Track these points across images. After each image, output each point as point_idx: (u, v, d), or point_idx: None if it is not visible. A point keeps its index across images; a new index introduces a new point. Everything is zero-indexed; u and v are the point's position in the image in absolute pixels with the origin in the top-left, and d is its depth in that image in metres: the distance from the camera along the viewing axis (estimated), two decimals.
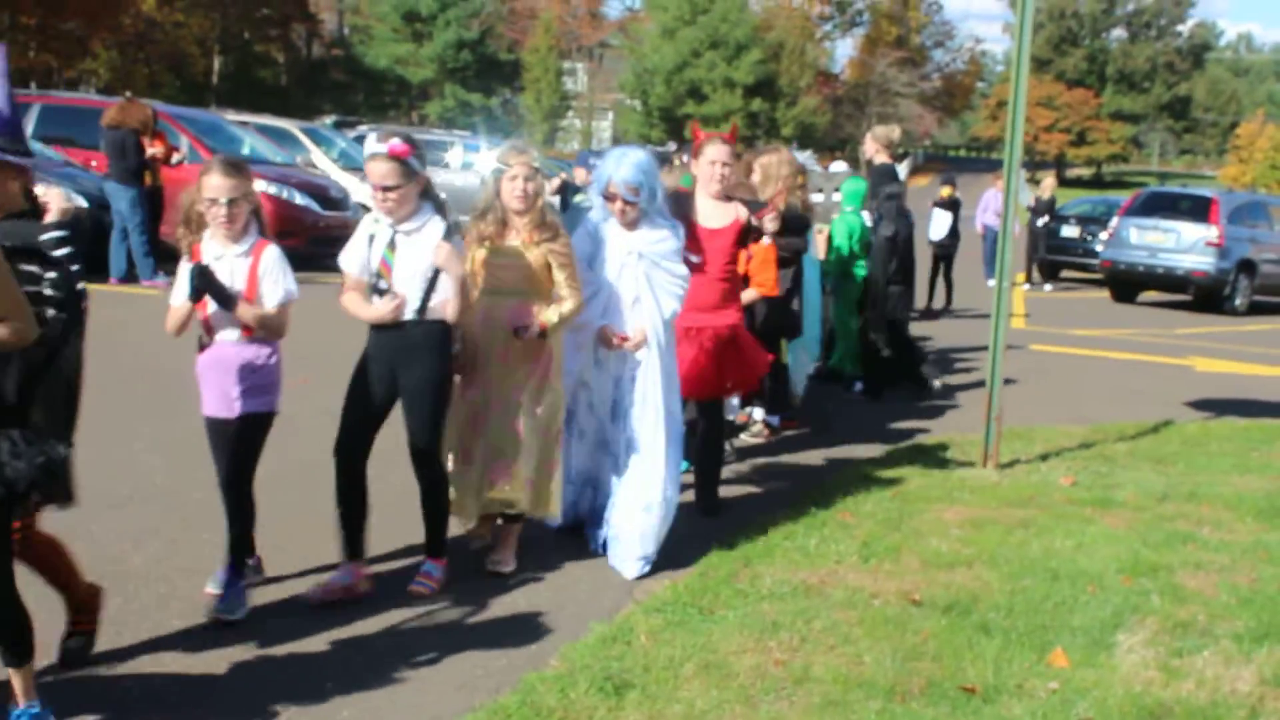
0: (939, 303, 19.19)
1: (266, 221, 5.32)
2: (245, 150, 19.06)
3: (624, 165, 6.21)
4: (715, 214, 7.10)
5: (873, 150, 12.02)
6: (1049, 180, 26.75)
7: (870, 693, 4.74)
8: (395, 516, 6.21)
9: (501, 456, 5.94)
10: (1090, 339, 17.43)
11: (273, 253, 5.20)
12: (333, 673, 4.82)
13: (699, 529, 6.97)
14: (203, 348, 5.26)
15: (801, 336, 9.93)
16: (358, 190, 19.81)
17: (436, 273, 5.48)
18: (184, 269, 5.16)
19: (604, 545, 6.43)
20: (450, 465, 5.99)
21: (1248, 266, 23.12)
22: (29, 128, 17.83)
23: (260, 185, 17.18)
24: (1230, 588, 6.22)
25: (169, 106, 20.45)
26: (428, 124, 61.13)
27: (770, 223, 7.20)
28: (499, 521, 6.27)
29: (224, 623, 5.14)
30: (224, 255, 5.15)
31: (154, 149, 15.24)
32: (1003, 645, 5.26)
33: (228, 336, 5.19)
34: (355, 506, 5.62)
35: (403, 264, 5.50)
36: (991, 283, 19.96)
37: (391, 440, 5.70)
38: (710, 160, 7.07)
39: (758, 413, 9.49)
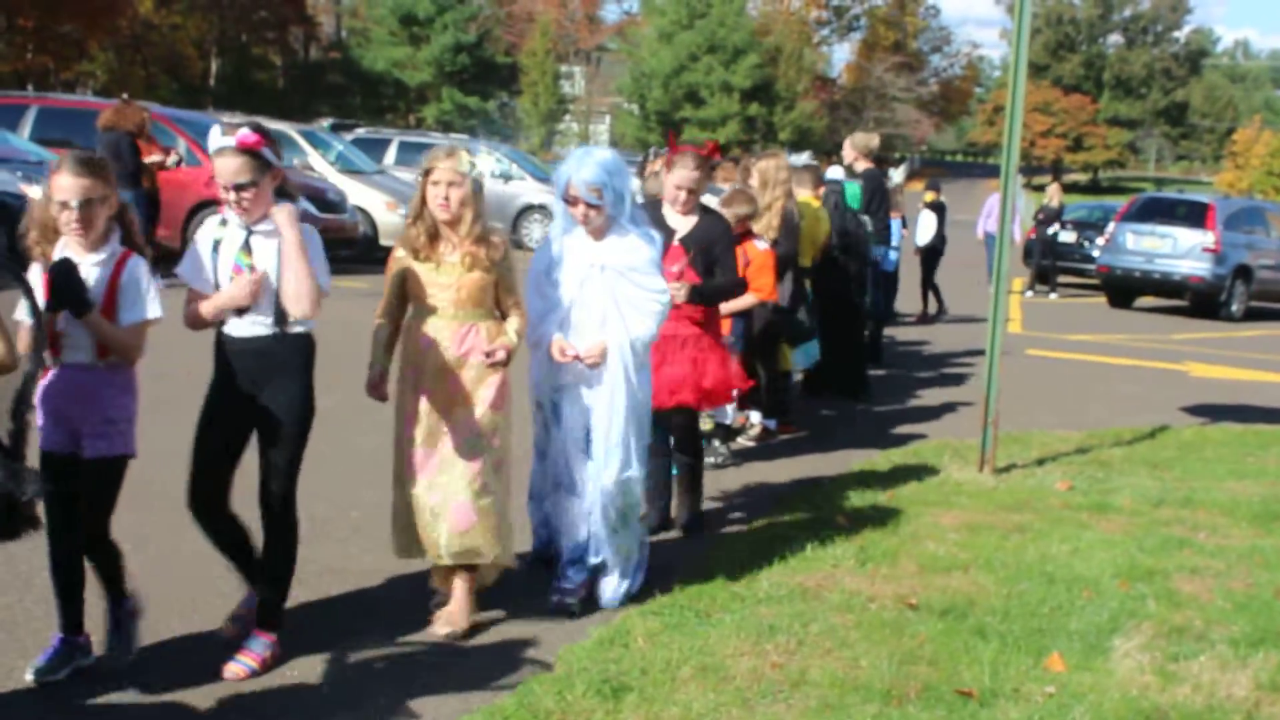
0: (932, 308, 19.21)
1: (134, 230, 4.69)
2: None
3: (586, 165, 5.53)
4: (680, 226, 6.80)
5: (852, 157, 12.15)
6: (1054, 187, 26.59)
7: (866, 696, 4.75)
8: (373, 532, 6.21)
9: (458, 498, 5.26)
10: (1087, 344, 17.44)
11: (136, 266, 4.57)
12: (330, 676, 4.83)
13: (695, 532, 6.98)
14: (46, 370, 4.53)
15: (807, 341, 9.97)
16: (355, 193, 19.87)
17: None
18: (33, 278, 4.41)
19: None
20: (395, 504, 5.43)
21: (1244, 272, 23.13)
22: (26, 130, 17.85)
23: None
24: (1226, 593, 6.23)
25: (166, 109, 20.44)
26: (425, 127, 61.17)
27: (678, 292, 6.35)
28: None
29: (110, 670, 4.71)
30: (79, 265, 4.47)
31: (153, 156, 15.24)
32: (999, 649, 5.27)
33: (77, 358, 4.51)
34: (237, 549, 5.05)
35: (261, 269, 4.77)
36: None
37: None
38: (675, 184, 6.67)
39: (755, 416, 9.50)
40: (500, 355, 5.22)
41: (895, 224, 16.83)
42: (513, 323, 5.37)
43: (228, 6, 61.01)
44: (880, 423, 10.70)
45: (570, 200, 5.58)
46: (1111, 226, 24.21)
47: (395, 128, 46.40)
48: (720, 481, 8.22)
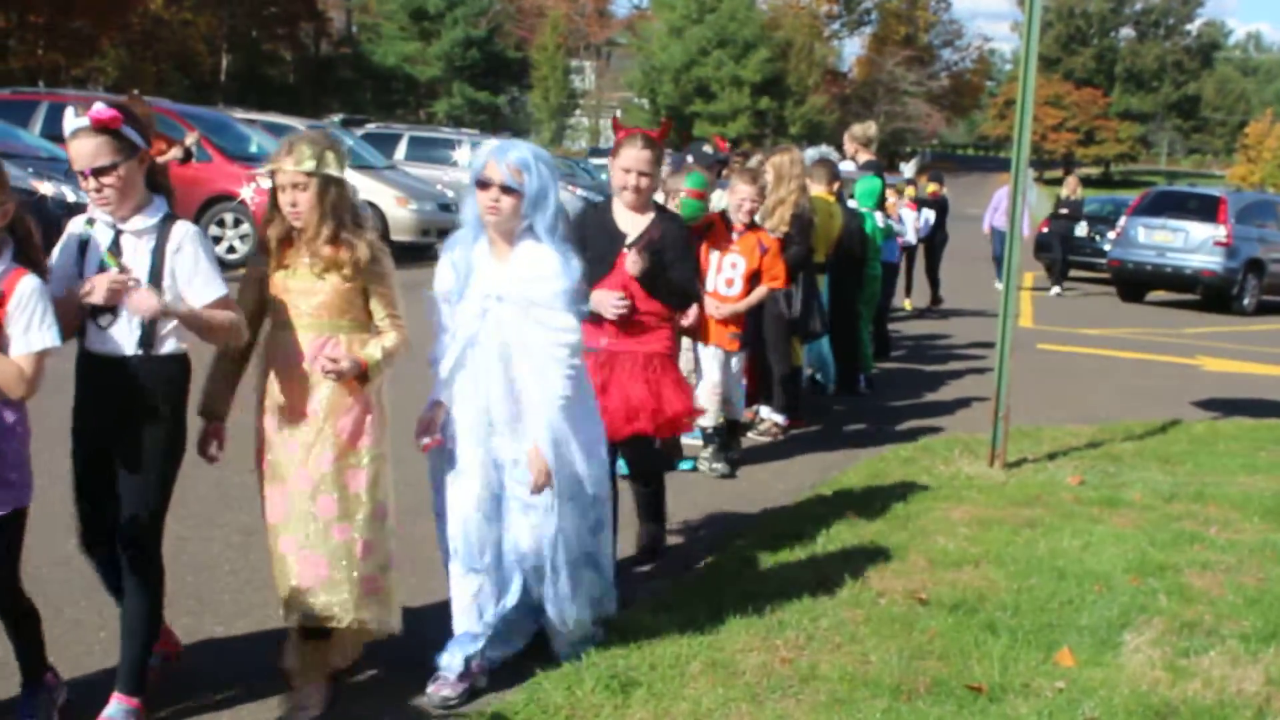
0: (922, 301, 19.24)
1: (31, 242, 4.02)
2: (253, 149, 19.09)
3: (512, 147, 4.63)
4: (632, 227, 5.94)
5: (853, 149, 12.09)
6: (1072, 179, 26.02)
7: (876, 691, 4.74)
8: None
9: (309, 549, 4.45)
10: (1098, 338, 17.41)
11: (30, 285, 3.88)
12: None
13: (705, 528, 6.98)
14: None
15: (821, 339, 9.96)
16: (366, 188, 19.88)
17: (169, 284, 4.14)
18: None
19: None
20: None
21: (1256, 266, 23.08)
22: (37, 126, 17.89)
23: (269, 182, 17.38)
24: (1237, 587, 6.21)
25: (177, 105, 20.49)
26: (436, 122, 61.22)
27: (633, 264, 5.77)
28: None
29: None
30: None
31: (169, 154, 15.24)
32: (1009, 644, 5.26)
33: None
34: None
35: (133, 273, 4.11)
36: (999, 284, 19.83)
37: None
38: (624, 167, 5.80)
39: (765, 411, 9.48)
40: (340, 365, 4.36)
41: (907, 216, 16.84)
42: (383, 340, 4.52)
43: (238, 3, 61.11)
44: (890, 417, 10.69)
45: (482, 184, 4.60)
46: (1123, 220, 24.15)
47: (406, 123, 46.45)
48: (732, 476, 8.22)
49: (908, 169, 19.87)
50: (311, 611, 4.44)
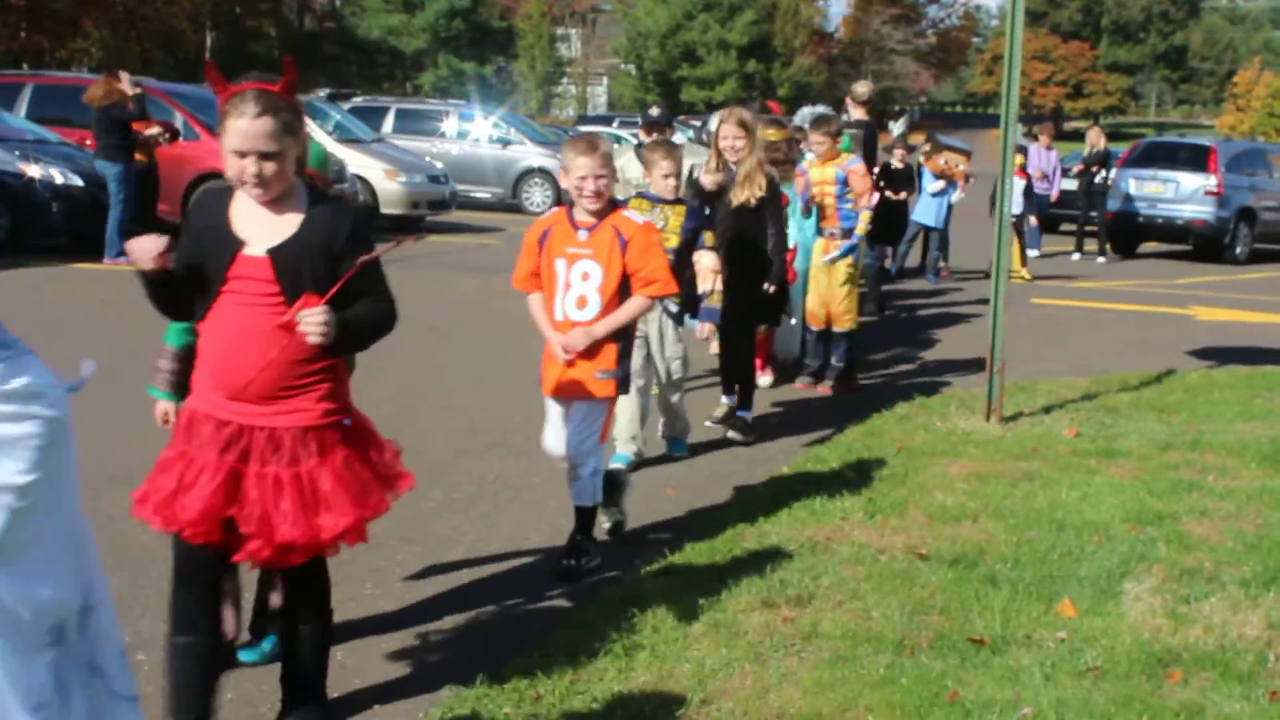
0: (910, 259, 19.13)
1: None
2: None
3: None
4: (263, 230, 3.73)
5: (856, 110, 12.03)
6: (1095, 130, 24.10)
7: (879, 647, 4.76)
8: None
9: None
10: (1091, 291, 17.42)
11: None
12: (347, 639, 4.83)
13: (703, 489, 6.99)
14: None
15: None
16: (355, 162, 19.82)
17: None
18: None
19: None
20: None
21: (1247, 215, 23.06)
22: (22, 109, 17.83)
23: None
24: (1236, 534, 6.24)
25: (163, 83, 20.38)
26: (422, 94, 60.99)
27: (310, 324, 3.57)
28: None
29: None
30: None
31: (151, 130, 15.23)
32: (1010, 597, 5.28)
33: None
34: None
35: None
36: (1032, 252, 19.36)
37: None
38: (236, 150, 3.66)
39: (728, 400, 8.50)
40: None
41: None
42: None
43: None
44: (886, 374, 10.70)
45: None
46: (1113, 173, 24.06)
47: (392, 95, 46.27)
48: (728, 438, 8.23)
49: (896, 127, 19.73)
50: None
